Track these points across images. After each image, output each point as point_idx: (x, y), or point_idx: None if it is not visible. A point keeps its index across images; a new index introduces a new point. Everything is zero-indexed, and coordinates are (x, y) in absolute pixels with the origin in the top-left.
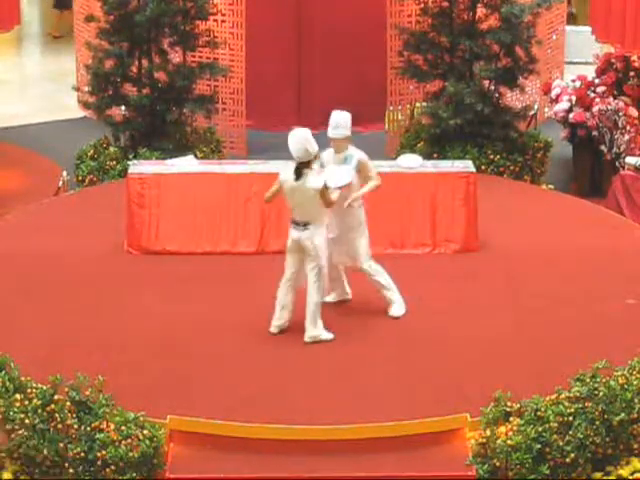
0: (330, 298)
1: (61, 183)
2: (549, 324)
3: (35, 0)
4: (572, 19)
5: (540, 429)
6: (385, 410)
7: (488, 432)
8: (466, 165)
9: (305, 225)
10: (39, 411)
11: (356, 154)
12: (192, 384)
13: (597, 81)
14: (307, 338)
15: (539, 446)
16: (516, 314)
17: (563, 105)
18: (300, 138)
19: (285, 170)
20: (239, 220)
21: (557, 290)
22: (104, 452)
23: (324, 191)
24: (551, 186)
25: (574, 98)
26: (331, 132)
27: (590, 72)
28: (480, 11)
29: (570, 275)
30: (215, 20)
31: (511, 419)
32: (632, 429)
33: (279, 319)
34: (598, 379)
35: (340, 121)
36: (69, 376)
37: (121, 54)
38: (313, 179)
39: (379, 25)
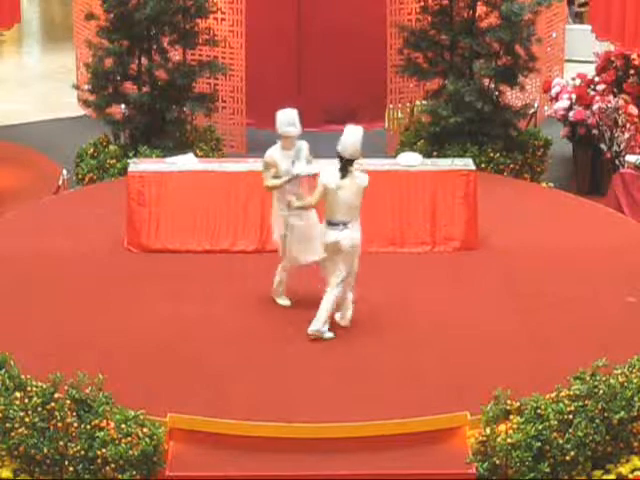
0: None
1: (61, 181)
2: (549, 322)
3: None
4: (579, 18)
5: (540, 427)
6: (385, 408)
7: (488, 430)
8: (466, 163)
9: (345, 224)
10: (39, 409)
11: (302, 144)
12: (192, 382)
13: (597, 79)
14: (310, 331)
15: (539, 444)
16: (516, 312)
17: (563, 103)
18: (359, 137)
19: (325, 172)
20: (239, 218)
21: (557, 288)
22: (104, 450)
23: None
24: (551, 184)
25: (574, 96)
26: (291, 129)
27: (590, 70)
28: (480, 9)
29: (570, 273)
30: (215, 18)
31: (511, 417)
32: (632, 427)
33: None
34: (598, 377)
35: (295, 118)
36: (69, 374)
37: (121, 52)
38: (362, 176)
39: (379, 23)
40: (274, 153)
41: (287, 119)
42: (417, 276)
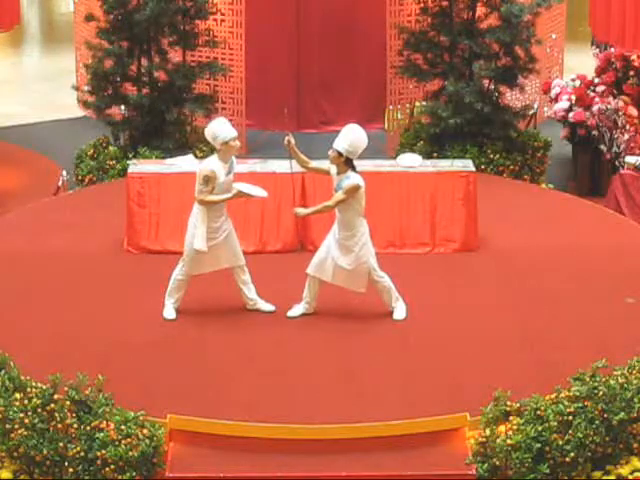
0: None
1: (61, 182)
2: (549, 323)
3: (34, 0)
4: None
5: (540, 428)
6: (385, 409)
7: (488, 431)
8: (466, 164)
9: None
10: (39, 410)
11: (233, 157)
12: (192, 383)
13: (597, 80)
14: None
15: (539, 445)
16: (515, 313)
17: (563, 104)
18: (364, 137)
19: (356, 175)
20: (239, 219)
21: (557, 289)
22: (104, 451)
23: None
24: (551, 185)
25: (574, 97)
26: (235, 138)
27: (590, 71)
28: (480, 10)
29: (570, 274)
30: (215, 19)
31: (511, 418)
32: (632, 428)
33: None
34: (598, 378)
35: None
36: (69, 375)
37: (121, 53)
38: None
39: (379, 24)
40: (214, 166)
41: (229, 127)
42: (417, 277)
